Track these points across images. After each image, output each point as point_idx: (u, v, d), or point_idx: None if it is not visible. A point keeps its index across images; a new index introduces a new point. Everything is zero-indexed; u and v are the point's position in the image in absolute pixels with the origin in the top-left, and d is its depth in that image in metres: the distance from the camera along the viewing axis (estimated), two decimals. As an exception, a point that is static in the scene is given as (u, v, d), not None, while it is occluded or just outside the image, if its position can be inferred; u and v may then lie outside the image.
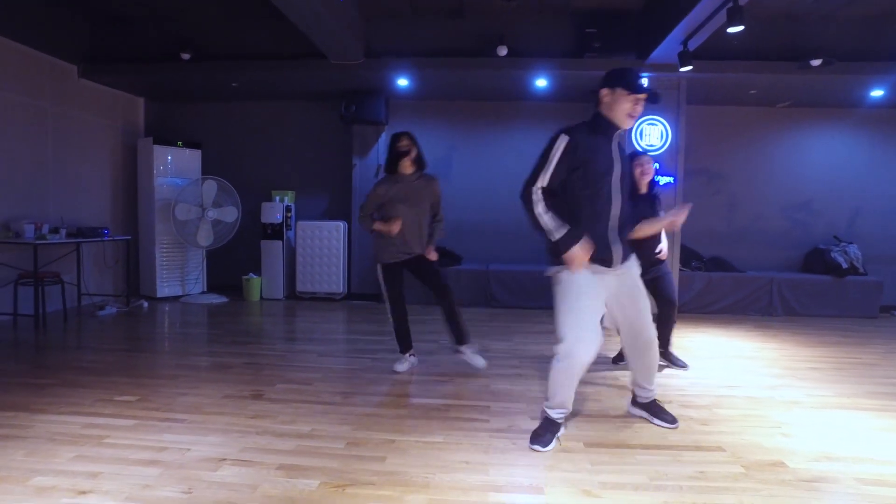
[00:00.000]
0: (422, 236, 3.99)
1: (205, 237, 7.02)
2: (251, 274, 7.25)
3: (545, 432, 2.76)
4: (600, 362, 4.17)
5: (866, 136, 7.11)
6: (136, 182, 7.22)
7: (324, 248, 7.18)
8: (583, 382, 3.66)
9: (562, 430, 2.84)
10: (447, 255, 7.14)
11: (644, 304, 2.88)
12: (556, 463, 2.54)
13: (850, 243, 6.93)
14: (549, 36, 5.89)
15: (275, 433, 2.84)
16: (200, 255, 7.34)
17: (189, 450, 2.59)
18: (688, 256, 6.95)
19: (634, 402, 3.16)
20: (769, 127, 7.14)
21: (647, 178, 4.00)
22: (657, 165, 5.86)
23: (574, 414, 3.12)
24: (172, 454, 2.54)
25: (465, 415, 3.16)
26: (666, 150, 6.00)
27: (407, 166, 3.96)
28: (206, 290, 7.38)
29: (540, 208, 2.63)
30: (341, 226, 7.17)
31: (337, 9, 5.03)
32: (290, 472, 2.41)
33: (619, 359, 4.25)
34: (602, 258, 2.69)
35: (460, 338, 4.04)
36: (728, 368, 4.25)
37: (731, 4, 4.09)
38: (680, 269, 6.62)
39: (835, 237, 7.08)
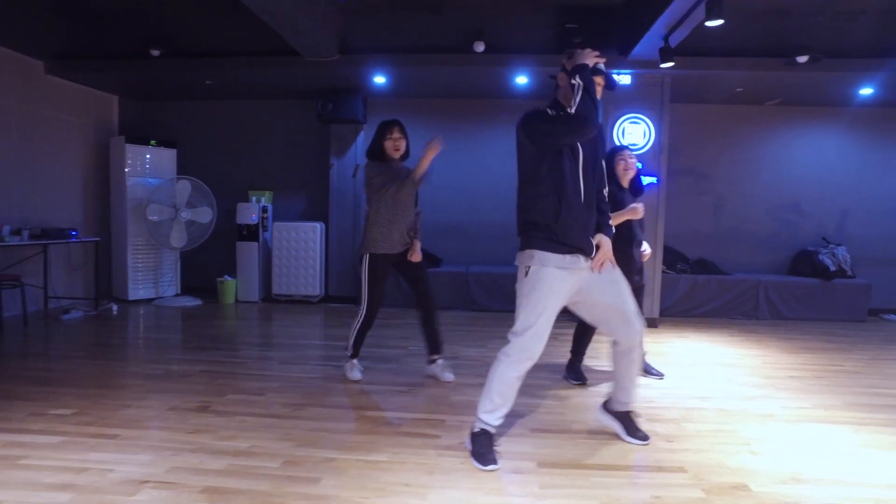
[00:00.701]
0: (405, 229, 3.80)
1: (178, 238, 6.85)
2: (226, 276, 7.08)
3: (488, 449, 2.59)
4: (557, 372, 4.00)
5: (855, 136, 6.93)
6: (108, 182, 7.03)
7: (300, 250, 7.01)
8: (541, 395, 3.52)
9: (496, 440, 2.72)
10: (426, 257, 6.97)
11: (628, 291, 2.70)
12: (503, 486, 2.37)
13: (839, 245, 6.76)
14: (528, 31, 5.71)
15: (210, 450, 2.67)
16: (174, 257, 7.17)
17: (111, 471, 2.42)
18: (673, 258, 6.78)
19: (606, 408, 2.93)
20: (757, 126, 6.96)
21: (630, 174, 3.85)
22: (639, 165, 5.70)
23: (531, 430, 2.95)
24: (91, 476, 2.36)
25: (417, 429, 2.99)
26: (649, 150, 5.83)
27: (396, 156, 3.81)
28: (180, 292, 7.20)
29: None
30: (318, 227, 6.99)
31: (307, 4, 4.86)
32: (213, 497, 2.24)
33: (574, 375, 4.01)
34: (582, 245, 2.56)
35: (435, 347, 3.90)
36: (705, 377, 4.08)
37: (708, -3, 3.91)
38: (664, 272, 6.45)
39: (823, 239, 6.91)
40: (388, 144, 3.77)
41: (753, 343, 5.26)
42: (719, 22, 3.89)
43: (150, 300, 6.96)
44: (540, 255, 2.53)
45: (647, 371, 4.06)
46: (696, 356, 4.72)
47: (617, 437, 2.89)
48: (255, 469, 2.49)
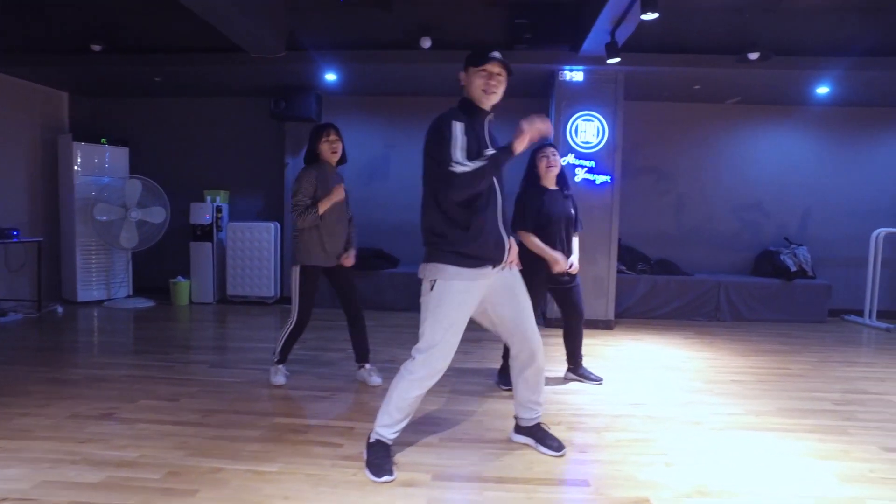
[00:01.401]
0: (341, 240, 3.71)
1: (128, 239, 6.68)
2: (179, 277, 6.91)
3: (384, 460, 2.46)
4: (490, 377, 3.88)
5: (817, 136, 6.86)
6: (56, 181, 6.85)
7: (255, 251, 6.86)
8: (466, 403, 3.39)
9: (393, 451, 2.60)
10: (383, 258, 6.85)
11: (528, 304, 2.63)
12: (387, 500, 2.24)
13: (800, 245, 6.68)
14: (477, 27, 5.58)
15: (93, 461, 2.52)
16: (126, 258, 6.99)
17: (-27, 486, 2.27)
18: (634, 259, 6.67)
19: (518, 429, 2.81)
20: (718, 124, 6.87)
21: (554, 171, 3.67)
22: (593, 163, 5.60)
23: (441, 439, 2.82)
24: (-53, 492, 2.21)
25: (321, 437, 2.85)
26: (603, 148, 5.71)
27: (333, 160, 3.70)
28: (132, 293, 7.03)
29: (463, 167, 2.28)
30: (272, 227, 6.85)
31: (247, 1, 4.71)
32: (74, 513, 2.09)
33: (506, 382, 3.89)
34: (493, 256, 2.45)
35: (363, 355, 3.85)
36: (645, 382, 3.97)
37: (644, -9, 3.80)
38: (623, 272, 6.35)
39: (785, 239, 6.84)
40: (325, 147, 3.62)
41: (706, 346, 5.16)
42: (654, 16, 3.79)
43: (100, 302, 6.78)
44: (447, 270, 2.39)
45: (585, 377, 3.94)
46: (643, 360, 4.61)
47: (521, 447, 2.77)
48: (132, 482, 2.35)
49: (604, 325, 5.79)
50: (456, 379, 3.89)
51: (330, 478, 2.41)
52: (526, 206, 3.60)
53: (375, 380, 3.77)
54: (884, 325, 6.09)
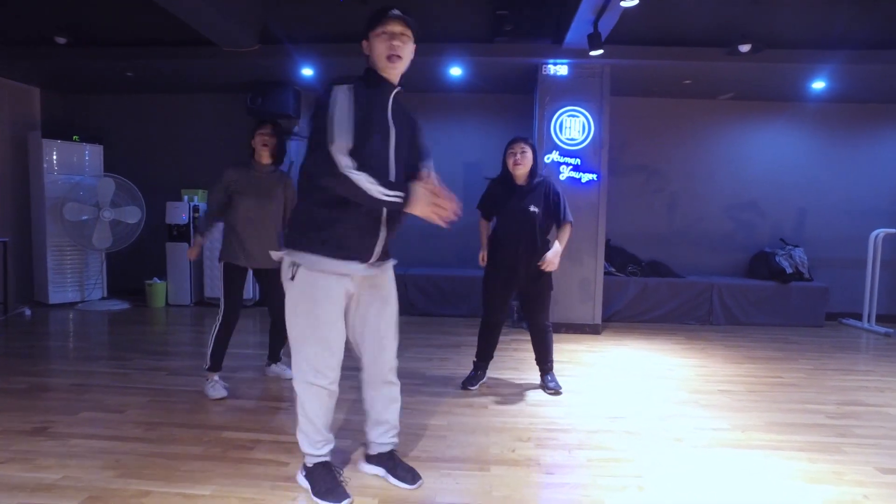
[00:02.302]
0: (268, 243, 3.46)
1: (101, 239, 6.46)
2: (155, 278, 6.69)
3: (332, 483, 2.23)
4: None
5: (813, 133, 6.63)
6: (27, 180, 6.63)
7: (232, 251, 6.61)
8: (434, 416, 3.14)
9: (342, 470, 2.38)
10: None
11: (392, 318, 2.30)
12: (323, 531, 2.01)
13: (796, 247, 6.44)
14: (456, 19, 5.35)
15: (8, 485, 2.30)
16: (100, 258, 6.77)
17: None
18: (624, 260, 6.44)
19: (368, 458, 2.45)
20: (711, 121, 6.64)
21: (523, 169, 3.46)
22: (578, 161, 5.37)
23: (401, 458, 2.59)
24: None
25: (267, 455, 2.63)
26: (589, 144, 5.48)
27: (265, 156, 3.54)
28: (106, 295, 6.81)
29: (355, 174, 1.96)
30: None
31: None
32: (-33, 548, 1.86)
33: (472, 382, 3.73)
34: (359, 249, 2.13)
35: (276, 354, 3.87)
36: (626, 392, 3.73)
37: (625, -24, 3.57)
38: (612, 274, 6.12)
39: (781, 240, 6.60)
40: (256, 140, 3.45)
41: (697, 352, 4.93)
42: (634, 2, 3.58)
43: (74, 304, 6.56)
44: (307, 256, 2.11)
45: (546, 385, 3.69)
46: (626, 368, 4.37)
47: (485, 466, 2.53)
48: (45, 509, 2.12)
49: (590, 330, 5.56)
50: (424, 388, 3.66)
51: (267, 502, 2.18)
52: (487, 192, 3.65)
53: (289, 372, 3.56)
54: (882, 329, 5.85)
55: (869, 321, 6.07)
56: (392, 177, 2.14)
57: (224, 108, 6.94)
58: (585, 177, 5.46)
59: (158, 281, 6.68)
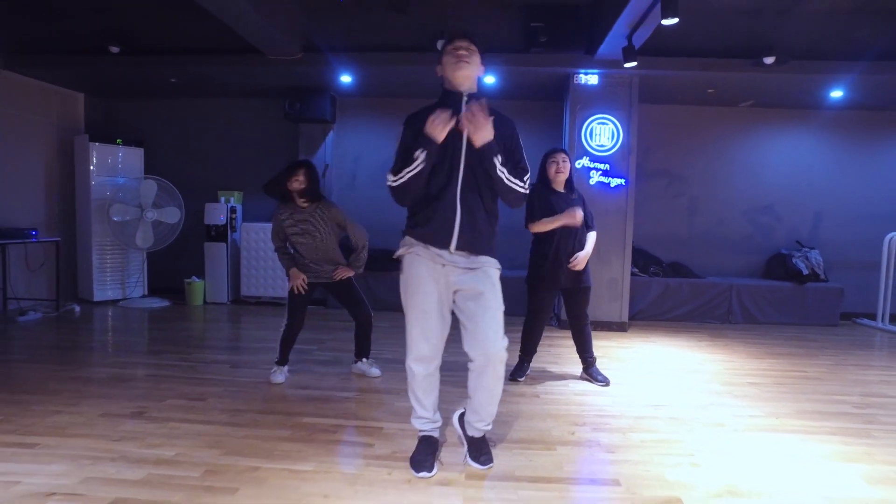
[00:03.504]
0: (328, 263, 3.86)
1: (144, 239, 6.73)
2: (194, 277, 6.96)
3: (423, 455, 2.54)
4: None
5: (829, 139, 6.89)
6: (73, 182, 6.91)
7: (269, 251, 6.89)
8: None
9: (440, 449, 2.67)
10: (395, 259, 6.88)
11: (492, 312, 2.43)
12: (425, 499, 2.28)
13: (812, 249, 6.71)
14: (493, 30, 5.62)
15: (131, 459, 2.57)
16: (141, 258, 7.04)
17: (18, 483, 2.32)
18: (646, 261, 6.71)
19: (461, 421, 2.70)
20: (731, 128, 6.91)
21: (563, 176, 3.78)
22: (607, 166, 5.64)
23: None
24: (-6, 488, 2.26)
25: (352, 437, 2.90)
26: (617, 151, 5.75)
27: (300, 201, 3.76)
28: (147, 293, 7.08)
29: (391, 181, 2.39)
30: (287, 227, 6.87)
31: (266, 2, 4.76)
32: (119, 510, 2.13)
33: (520, 374, 4.00)
34: (439, 231, 2.39)
35: (362, 352, 4.05)
36: (663, 384, 4.00)
37: (665, -4, 3.84)
38: (637, 275, 6.39)
39: (797, 242, 6.86)
40: (293, 186, 3.69)
41: (720, 348, 5.19)
42: (675, 21, 3.82)
43: (116, 301, 6.84)
44: (408, 241, 2.49)
45: (594, 377, 3.98)
46: (659, 362, 4.64)
47: (550, 446, 2.80)
48: (172, 479, 2.39)
49: (618, 328, 5.83)
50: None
51: (365, 477, 2.45)
52: (533, 204, 3.76)
53: (375, 371, 3.99)
54: (896, 328, 6.12)
55: (883, 321, 6.33)
56: (461, 174, 2.39)
57: (261, 112, 7.21)
58: (614, 181, 5.73)
59: (197, 280, 6.94)
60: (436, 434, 2.64)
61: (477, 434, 2.61)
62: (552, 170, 3.77)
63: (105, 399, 3.38)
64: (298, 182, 3.66)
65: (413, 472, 2.48)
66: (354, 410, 3.32)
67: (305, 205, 3.73)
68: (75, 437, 2.81)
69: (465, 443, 2.66)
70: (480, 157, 2.36)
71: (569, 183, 3.83)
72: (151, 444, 2.75)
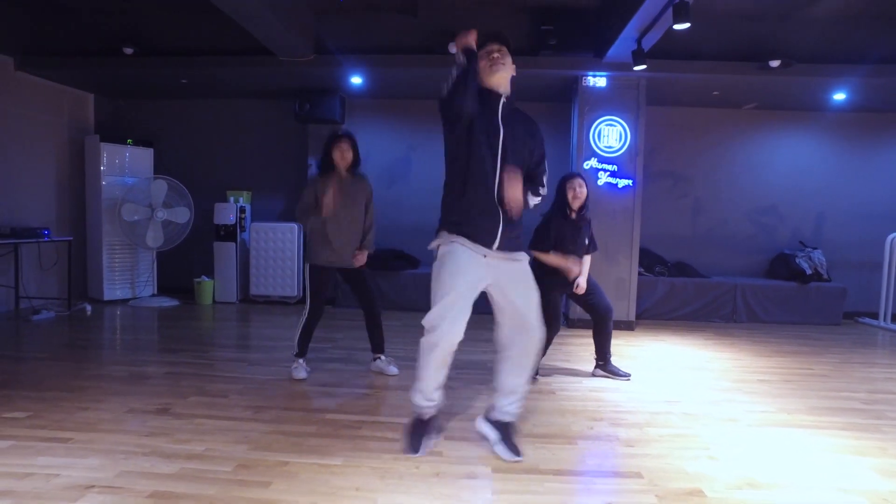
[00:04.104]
0: (353, 244, 3.88)
1: (154, 238, 6.78)
2: (203, 277, 7.02)
3: (414, 436, 2.68)
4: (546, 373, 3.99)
5: (832, 141, 6.99)
6: (84, 181, 6.95)
7: (278, 251, 6.96)
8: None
9: (434, 436, 2.77)
10: (404, 259, 6.96)
11: (533, 295, 2.59)
12: (454, 491, 2.35)
13: (815, 249, 6.80)
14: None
15: (163, 454, 2.63)
16: (151, 257, 7.09)
17: (57, 476, 2.38)
18: (651, 261, 6.79)
19: (487, 418, 2.73)
20: (735, 129, 7.00)
21: (579, 202, 3.85)
22: (615, 167, 5.71)
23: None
24: (35, 482, 2.32)
25: (376, 433, 2.96)
26: (625, 152, 5.83)
27: (343, 168, 3.88)
28: (156, 292, 7.12)
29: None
30: (295, 228, 6.95)
31: (280, 4, 4.83)
32: (159, 501, 2.20)
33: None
34: (483, 229, 2.51)
35: (378, 347, 4.09)
36: (674, 381, 4.08)
37: (676, 1, 3.91)
38: (642, 274, 6.46)
39: (800, 242, 6.95)
40: (336, 154, 3.82)
41: (727, 346, 5.27)
42: (686, 25, 3.90)
43: (126, 301, 6.88)
44: (447, 236, 2.56)
45: (615, 373, 4.06)
46: (668, 359, 4.72)
47: (571, 441, 2.87)
48: (206, 473, 2.45)
49: (625, 326, 5.91)
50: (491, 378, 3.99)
51: (395, 471, 2.52)
52: (548, 231, 3.83)
53: (392, 369, 4.03)
54: (898, 327, 6.21)
55: (885, 320, 6.43)
56: (497, 169, 2.52)
57: (271, 113, 7.27)
58: (622, 182, 5.80)
59: (206, 279, 6.99)
60: (429, 414, 2.71)
61: (506, 418, 2.67)
62: (570, 195, 3.83)
63: (129, 396, 3.44)
64: (343, 151, 3.79)
65: (403, 448, 2.64)
66: (376, 407, 3.39)
67: (346, 175, 3.84)
68: (106, 432, 2.87)
69: (492, 435, 2.70)
70: (516, 149, 2.53)
71: (583, 207, 3.86)
72: (180, 439, 2.81)
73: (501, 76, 2.53)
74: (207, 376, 3.92)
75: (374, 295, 4.05)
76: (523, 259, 2.66)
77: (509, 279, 2.59)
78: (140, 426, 2.95)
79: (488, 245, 2.53)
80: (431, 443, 2.76)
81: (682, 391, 3.82)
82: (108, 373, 3.94)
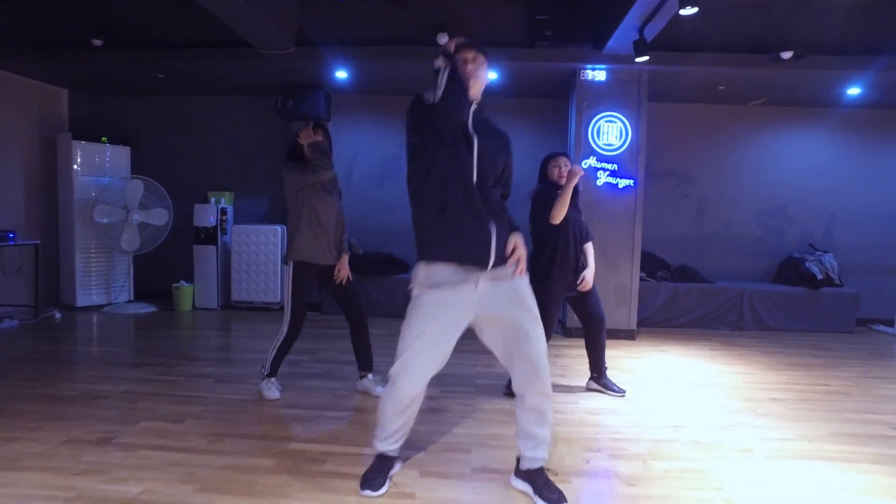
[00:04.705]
0: (334, 240, 3.54)
1: (130, 241, 6.42)
2: (182, 281, 6.66)
3: (376, 473, 2.35)
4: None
5: (843, 138, 6.61)
6: (55, 181, 6.60)
7: (260, 255, 6.61)
8: (502, 425, 3.11)
9: (397, 467, 2.49)
10: (394, 263, 6.60)
11: (533, 322, 2.27)
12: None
13: (826, 252, 6.44)
14: (496, 23, 5.34)
15: (91, 498, 2.27)
16: (127, 261, 6.74)
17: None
18: (653, 265, 6.43)
19: (518, 472, 2.42)
20: (741, 127, 6.63)
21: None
22: (615, 166, 5.36)
23: (473, 469, 2.57)
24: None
25: (342, 467, 2.61)
26: (626, 150, 5.47)
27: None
28: (133, 298, 6.77)
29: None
30: (279, 230, 6.59)
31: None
32: (69, 565, 1.84)
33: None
34: (475, 244, 2.20)
35: (365, 364, 3.67)
36: (679, 400, 3.72)
37: (683, -17, 3.55)
38: (643, 279, 6.10)
39: (810, 246, 6.59)
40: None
41: (735, 358, 4.92)
42: (693, 10, 3.55)
43: (100, 307, 6.53)
44: (428, 269, 2.26)
45: (608, 388, 3.73)
46: (672, 374, 4.36)
47: (565, 479, 2.51)
48: (135, 524, 2.09)
49: (626, 335, 5.55)
50: (479, 395, 3.64)
51: (356, 519, 2.16)
52: (542, 205, 3.53)
53: (379, 390, 3.58)
54: (915, 336, 5.85)
55: (900, 328, 6.07)
56: (474, 180, 2.24)
57: (253, 110, 6.92)
58: (622, 182, 5.44)
59: (185, 284, 6.65)
60: (392, 453, 2.45)
61: (536, 465, 2.37)
62: (555, 174, 3.57)
63: (72, 421, 3.08)
64: (316, 136, 3.45)
65: (360, 489, 2.34)
66: (346, 434, 3.03)
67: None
68: (30, 470, 2.51)
69: (528, 489, 2.37)
70: (490, 162, 2.29)
71: (575, 191, 3.52)
72: (116, 478, 2.45)
73: (478, 85, 2.27)
74: (166, 396, 3.57)
75: (361, 302, 3.67)
76: (517, 280, 2.31)
77: (497, 303, 2.26)
78: (72, 462, 2.60)
79: (483, 264, 2.21)
80: (395, 473, 2.47)
81: (688, 413, 3.46)
82: (57, 392, 3.58)
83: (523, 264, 2.26)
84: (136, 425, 3.06)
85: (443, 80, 2.11)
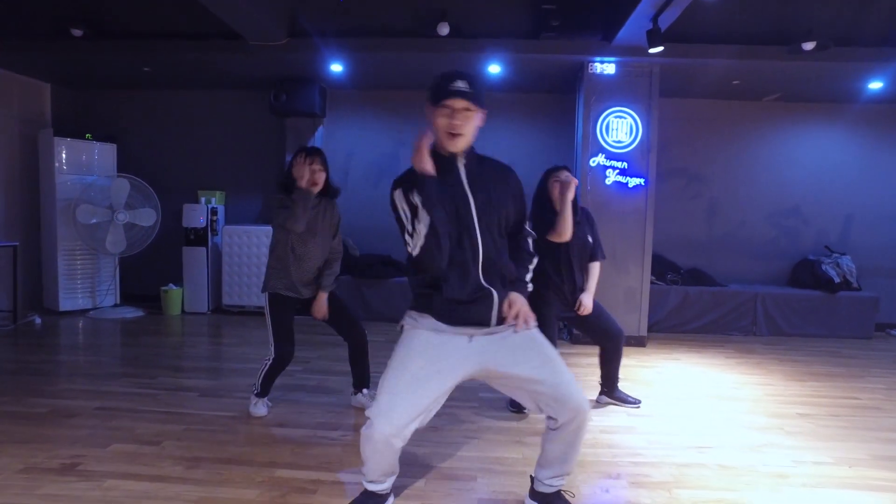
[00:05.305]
0: (315, 276, 3.28)
1: (115, 243, 6.12)
2: (171, 285, 6.38)
3: None
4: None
5: (861, 135, 6.34)
6: (37, 180, 6.30)
7: (252, 257, 6.33)
8: (510, 450, 2.83)
9: (389, 501, 2.18)
10: (391, 265, 6.32)
11: (547, 364, 2.02)
12: None
13: (843, 254, 6.16)
14: (500, 13, 5.06)
15: (46, 540, 1.98)
16: (113, 263, 6.44)
17: None
18: (663, 268, 6.15)
19: (533, 493, 2.23)
20: (754, 123, 6.35)
21: (568, 197, 3.20)
22: (625, 164, 5.09)
23: (478, 500, 2.29)
24: None
25: (333, 499, 2.32)
26: (636, 148, 5.19)
27: (315, 191, 3.20)
28: (119, 302, 6.48)
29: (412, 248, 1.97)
30: (272, 231, 6.28)
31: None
32: None
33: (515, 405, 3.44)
34: (477, 314, 1.99)
35: (361, 382, 3.41)
36: (700, 416, 3.44)
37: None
38: (653, 283, 5.82)
39: (826, 247, 6.31)
40: (306, 174, 3.14)
41: (753, 366, 4.65)
42: (719, -7, 3.24)
43: (85, 311, 6.24)
44: (411, 314, 2.07)
45: (622, 399, 3.48)
46: (688, 385, 4.08)
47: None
48: (91, 574, 1.80)
49: (636, 342, 5.27)
50: (484, 412, 3.36)
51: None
52: (546, 211, 3.26)
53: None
54: (939, 342, 5.58)
55: (922, 333, 5.80)
56: (480, 242, 1.99)
57: (245, 105, 6.64)
58: (632, 181, 5.16)
59: (174, 287, 6.36)
60: (383, 491, 2.17)
61: (548, 490, 2.16)
62: (555, 191, 3.25)
63: (34, 445, 2.79)
64: (319, 170, 3.15)
65: None
66: (340, 459, 2.74)
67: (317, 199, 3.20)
68: (-18, 504, 2.22)
69: None
70: (493, 215, 2.04)
71: (574, 205, 3.23)
72: (77, 513, 2.16)
73: (459, 145, 1.98)
74: (145, 413, 3.28)
75: (358, 322, 3.40)
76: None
77: (510, 364, 2.01)
78: (28, 496, 2.31)
79: (485, 322, 2.01)
80: None
81: (712, 432, 3.18)
82: (23, 409, 3.29)
83: (522, 319, 2.00)
84: (106, 448, 2.78)
85: (420, 227, 1.89)
